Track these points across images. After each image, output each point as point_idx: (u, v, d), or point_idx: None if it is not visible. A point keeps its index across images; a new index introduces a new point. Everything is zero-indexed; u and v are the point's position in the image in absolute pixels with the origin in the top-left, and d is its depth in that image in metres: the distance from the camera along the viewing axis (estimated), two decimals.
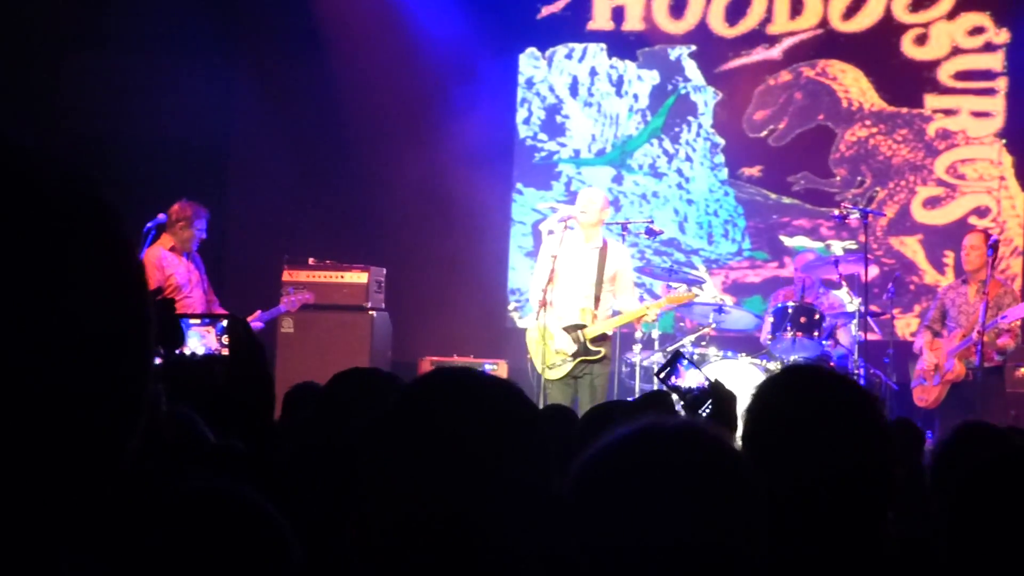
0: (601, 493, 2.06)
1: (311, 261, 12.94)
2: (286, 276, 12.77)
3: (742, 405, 2.95)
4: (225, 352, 3.23)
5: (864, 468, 2.77)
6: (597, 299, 10.87)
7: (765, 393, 2.93)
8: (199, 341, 3.29)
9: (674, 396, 5.28)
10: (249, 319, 11.30)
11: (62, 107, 13.66)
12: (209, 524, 2.11)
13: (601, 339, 10.83)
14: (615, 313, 10.96)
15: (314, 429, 3.96)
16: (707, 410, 4.84)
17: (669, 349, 11.89)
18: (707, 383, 5.14)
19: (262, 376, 3.22)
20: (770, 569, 2.07)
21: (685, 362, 5.32)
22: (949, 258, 14.13)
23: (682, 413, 5.08)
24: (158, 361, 3.18)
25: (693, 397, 5.07)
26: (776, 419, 2.84)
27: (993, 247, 11.37)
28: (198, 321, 3.31)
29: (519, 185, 15.29)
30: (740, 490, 2.08)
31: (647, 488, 2.04)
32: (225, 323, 3.27)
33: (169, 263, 10.96)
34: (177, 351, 3.27)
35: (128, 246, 1.19)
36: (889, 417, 11.15)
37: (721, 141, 14.92)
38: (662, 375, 5.31)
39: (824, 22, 14.68)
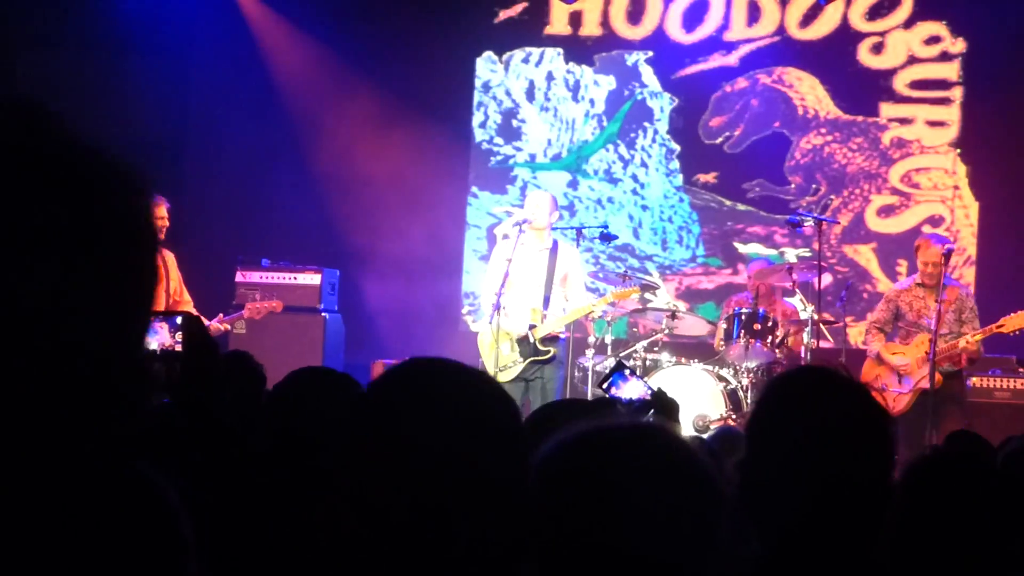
0: (561, 491, 2.04)
1: (265, 262, 12.88)
2: (239, 277, 12.72)
3: (687, 411, 2.92)
4: (179, 348, 3.20)
5: (866, 483, 2.74)
6: (547, 300, 10.88)
7: (778, 392, 2.89)
8: (152, 336, 3.25)
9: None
10: (216, 320, 11.25)
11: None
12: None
13: (551, 340, 10.82)
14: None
15: (268, 426, 3.93)
16: (649, 419, 4.77)
17: (623, 354, 11.88)
18: (649, 392, 5.09)
19: (216, 373, 3.19)
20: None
21: (627, 371, 5.26)
22: (902, 266, 14.16)
23: None
24: None
25: (634, 409, 5.00)
26: (786, 423, 2.81)
27: (947, 255, 11.17)
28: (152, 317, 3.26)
29: (474, 189, 15.27)
30: (700, 487, 2.07)
31: (604, 487, 2.03)
32: (179, 320, 3.24)
33: None
34: None
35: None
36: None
37: (677, 147, 14.94)
38: (603, 386, 5.25)
39: (781, 29, 14.71)
